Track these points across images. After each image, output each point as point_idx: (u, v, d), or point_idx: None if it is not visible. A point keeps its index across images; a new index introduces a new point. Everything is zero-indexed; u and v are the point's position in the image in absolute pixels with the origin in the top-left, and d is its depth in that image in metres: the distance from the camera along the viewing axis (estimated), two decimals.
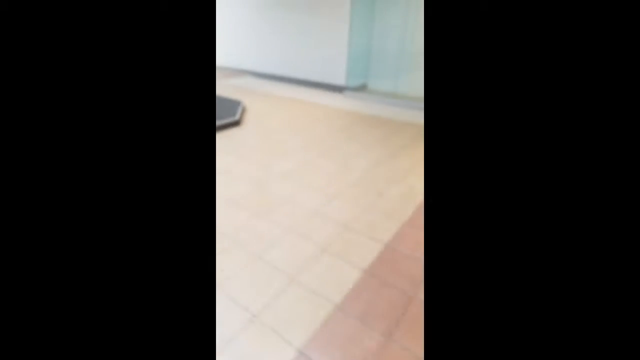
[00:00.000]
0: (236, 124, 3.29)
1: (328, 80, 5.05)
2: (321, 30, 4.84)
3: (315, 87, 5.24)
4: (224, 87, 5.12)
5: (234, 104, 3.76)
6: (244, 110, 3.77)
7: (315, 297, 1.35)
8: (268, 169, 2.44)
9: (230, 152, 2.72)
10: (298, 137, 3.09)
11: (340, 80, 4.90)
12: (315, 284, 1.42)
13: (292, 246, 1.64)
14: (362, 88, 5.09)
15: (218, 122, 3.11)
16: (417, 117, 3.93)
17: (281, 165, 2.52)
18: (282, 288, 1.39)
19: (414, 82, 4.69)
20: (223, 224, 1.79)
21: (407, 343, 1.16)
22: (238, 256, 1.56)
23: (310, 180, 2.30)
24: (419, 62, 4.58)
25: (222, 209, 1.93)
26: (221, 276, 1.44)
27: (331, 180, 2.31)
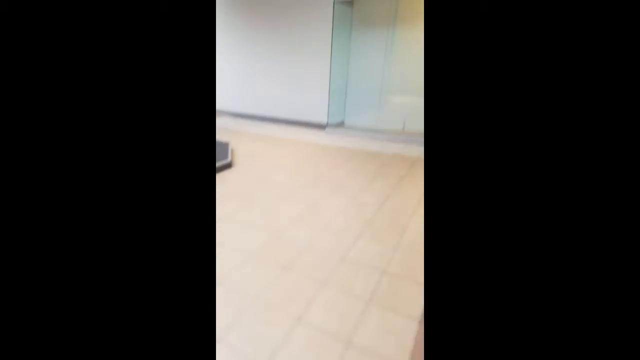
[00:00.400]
0: (228, 166, 3.06)
1: (310, 119, 5.03)
2: (303, 72, 4.88)
3: (296, 125, 5.19)
4: None
5: (222, 146, 3.53)
6: (233, 152, 3.55)
7: None
8: (277, 214, 2.22)
9: (231, 197, 2.46)
10: (297, 177, 2.92)
11: (322, 118, 4.90)
12: (373, 344, 1.19)
13: (333, 302, 1.41)
14: (340, 124, 5.13)
15: None
16: (400, 149, 3.97)
17: (290, 208, 2.31)
18: (339, 356, 1.15)
19: (387, 118, 4.82)
20: (247, 284, 1.52)
21: None
22: (277, 322, 1.30)
23: (326, 221, 2.12)
24: (389, 100, 4.74)
25: (241, 266, 1.66)
26: (266, 350, 1.17)
27: (347, 220, 2.14)
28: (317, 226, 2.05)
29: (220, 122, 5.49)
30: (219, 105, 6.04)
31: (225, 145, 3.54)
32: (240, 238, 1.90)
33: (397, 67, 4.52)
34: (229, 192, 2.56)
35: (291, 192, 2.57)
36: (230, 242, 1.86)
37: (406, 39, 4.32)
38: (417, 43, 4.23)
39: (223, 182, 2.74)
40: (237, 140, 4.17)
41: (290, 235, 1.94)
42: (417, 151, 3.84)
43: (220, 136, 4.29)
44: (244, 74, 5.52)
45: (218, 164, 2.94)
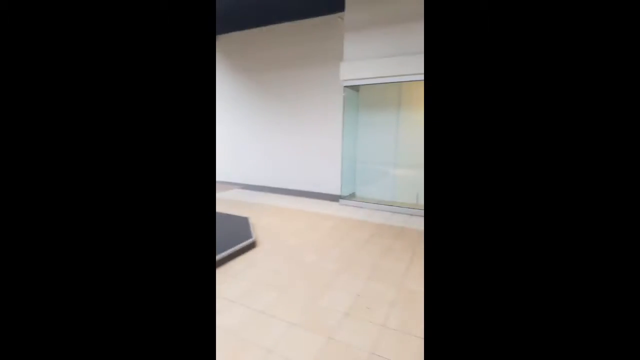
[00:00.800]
0: (252, 246, 2.78)
1: (323, 190, 4.95)
2: (316, 146, 4.97)
3: (308, 196, 5.07)
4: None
5: (242, 222, 3.29)
6: (253, 228, 3.30)
7: None
8: (322, 308, 1.90)
9: (263, 286, 2.15)
10: (327, 257, 2.65)
11: (335, 190, 4.83)
12: None
13: None
14: (352, 196, 5.06)
15: (234, 247, 2.58)
16: (423, 224, 3.82)
17: (334, 299, 2.00)
18: None
19: (399, 190, 4.80)
20: None
21: None
22: None
23: (380, 317, 1.81)
24: (400, 174, 4.79)
25: None
26: None
27: (403, 314, 1.83)
28: (372, 324, 1.74)
29: (231, 194, 5.34)
30: (228, 177, 5.96)
31: (245, 221, 3.31)
32: (289, 343, 1.56)
33: (405, 143, 4.67)
34: (260, 278, 2.24)
35: (328, 279, 2.28)
36: (279, 349, 1.51)
37: (412, 119, 4.56)
38: (422, 123, 4.45)
39: (251, 266, 2.44)
40: (253, 213, 3.95)
41: (347, 338, 1.61)
42: None
43: (235, 209, 4.07)
44: (257, 147, 5.59)
45: (242, 244, 2.66)
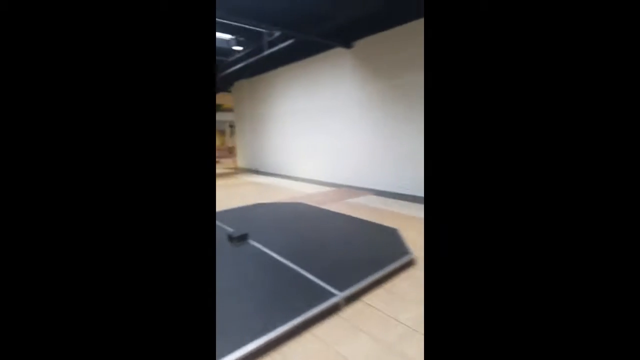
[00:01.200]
0: (410, 264, 2.64)
1: None
2: None
3: None
4: (349, 206, 4.79)
5: (392, 233, 3.21)
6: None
7: None
8: None
9: None
10: None
11: None
12: None
13: None
14: None
15: (395, 263, 2.49)
16: None
17: None
18: None
19: None
20: None
21: None
22: None
23: None
24: None
25: None
26: None
27: None
28: None
29: (365, 200, 5.40)
30: (361, 182, 6.06)
31: (395, 233, 3.20)
32: None
33: None
34: None
35: None
36: None
37: None
38: None
39: (416, 287, 2.29)
40: (397, 224, 3.82)
41: None
42: None
43: (378, 218, 4.05)
44: (390, 152, 5.46)
45: (402, 260, 2.56)
